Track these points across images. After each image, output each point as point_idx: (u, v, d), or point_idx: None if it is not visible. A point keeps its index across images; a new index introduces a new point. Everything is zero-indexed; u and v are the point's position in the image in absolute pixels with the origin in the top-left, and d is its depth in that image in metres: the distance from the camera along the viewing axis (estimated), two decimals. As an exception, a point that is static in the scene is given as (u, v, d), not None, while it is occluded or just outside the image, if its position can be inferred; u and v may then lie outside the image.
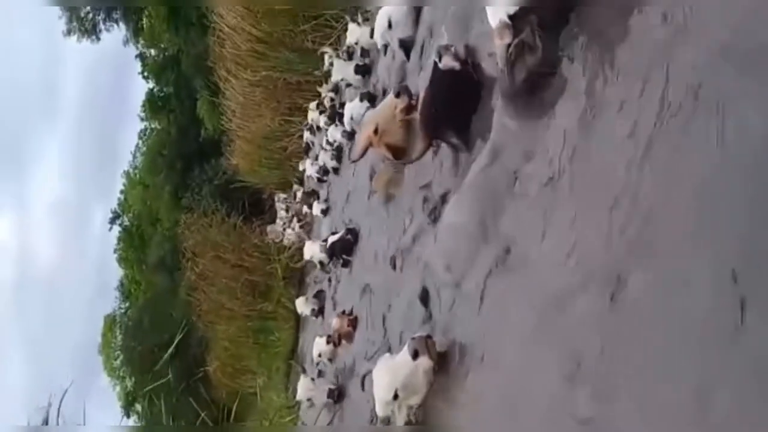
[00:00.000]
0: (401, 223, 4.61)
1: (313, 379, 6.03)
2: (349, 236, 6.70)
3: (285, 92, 11.97)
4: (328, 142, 8.93)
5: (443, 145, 3.82)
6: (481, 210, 2.99)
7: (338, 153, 8.66)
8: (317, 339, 6.24)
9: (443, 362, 3.01)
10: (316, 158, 10.08)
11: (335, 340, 5.87)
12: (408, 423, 3.07)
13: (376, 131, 4.21)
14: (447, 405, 2.92)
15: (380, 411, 3.08)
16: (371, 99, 6.72)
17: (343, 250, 6.77)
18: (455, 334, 3.08)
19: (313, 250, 8.13)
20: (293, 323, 10.73)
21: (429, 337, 3.07)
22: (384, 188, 5.37)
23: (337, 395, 5.43)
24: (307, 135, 11.07)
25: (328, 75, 8.96)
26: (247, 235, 13.40)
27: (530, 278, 2.42)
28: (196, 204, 17.50)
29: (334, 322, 5.97)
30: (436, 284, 3.43)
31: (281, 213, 13.56)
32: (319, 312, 8.22)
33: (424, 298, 3.57)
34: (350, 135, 7.55)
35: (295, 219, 11.75)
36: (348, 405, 5.18)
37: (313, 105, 10.28)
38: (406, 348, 3.04)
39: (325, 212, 9.36)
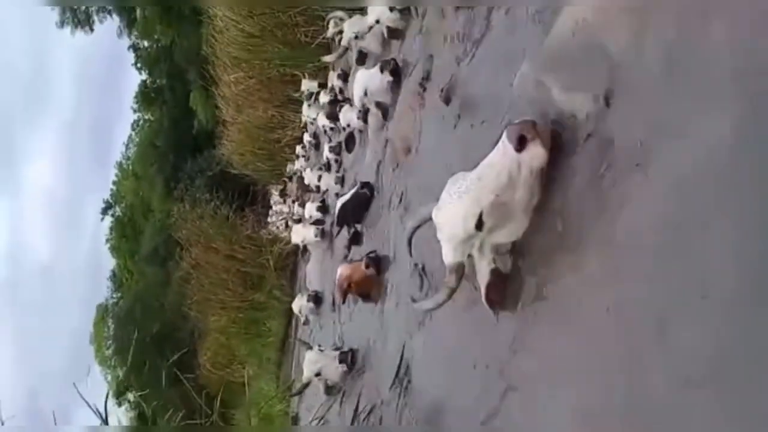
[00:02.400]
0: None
1: (321, 349, 4.88)
2: (364, 190, 5.20)
3: (278, 85, 12.03)
4: (329, 155, 7.83)
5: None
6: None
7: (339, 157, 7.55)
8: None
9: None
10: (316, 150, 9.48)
11: (343, 291, 4.51)
12: (495, 273, 1.91)
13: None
14: (567, 252, 1.71)
15: (450, 256, 1.92)
16: (395, 72, 4.87)
17: (355, 213, 5.27)
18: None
19: (303, 234, 7.41)
20: (285, 314, 10.83)
21: (534, 123, 1.83)
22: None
23: (351, 359, 4.48)
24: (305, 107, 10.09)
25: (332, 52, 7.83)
26: (239, 227, 13.48)
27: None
28: (188, 195, 17.53)
29: (340, 271, 4.55)
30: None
31: (277, 207, 13.55)
32: (317, 300, 7.42)
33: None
34: (364, 115, 5.71)
35: (295, 203, 11.52)
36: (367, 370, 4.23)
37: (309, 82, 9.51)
38: (503, 138, 1.79)
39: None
